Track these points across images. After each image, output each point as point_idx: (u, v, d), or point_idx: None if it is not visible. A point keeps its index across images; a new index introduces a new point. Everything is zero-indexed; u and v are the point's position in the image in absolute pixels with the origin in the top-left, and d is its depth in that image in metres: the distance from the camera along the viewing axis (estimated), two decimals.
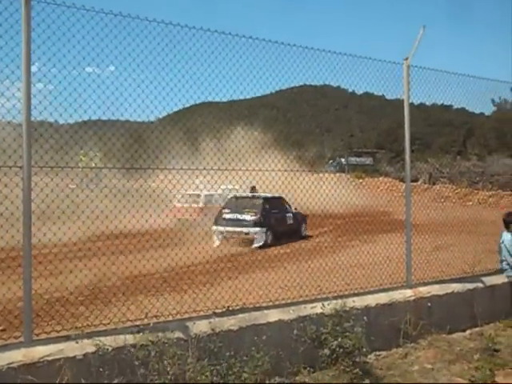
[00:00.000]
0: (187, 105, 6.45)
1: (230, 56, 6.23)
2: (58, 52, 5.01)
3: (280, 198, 17.01)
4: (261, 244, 15.67)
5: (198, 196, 17.37)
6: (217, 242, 15.25)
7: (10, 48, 4.66)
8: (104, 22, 5.14)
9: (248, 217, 16.17)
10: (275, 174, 6.76)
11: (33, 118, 4.68)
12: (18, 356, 4.36)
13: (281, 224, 16.94)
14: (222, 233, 15.59)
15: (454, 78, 8.28)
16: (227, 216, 16.17)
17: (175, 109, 6.57)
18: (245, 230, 15.85)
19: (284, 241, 15.92)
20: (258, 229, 15.89)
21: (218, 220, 16.06)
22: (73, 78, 5.17)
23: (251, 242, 15.77)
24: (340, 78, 7.37)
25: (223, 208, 16.42)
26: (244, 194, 16.47)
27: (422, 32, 7.21)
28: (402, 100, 7.54)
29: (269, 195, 16.50)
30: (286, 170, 6.98)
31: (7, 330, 5.58)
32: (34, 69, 4.80)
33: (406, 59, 7.37)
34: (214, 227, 15.76)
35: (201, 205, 17.22)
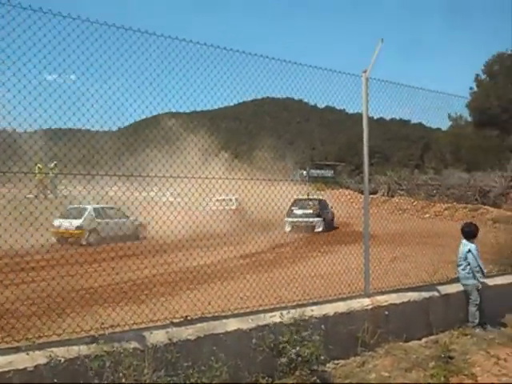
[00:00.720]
0: (150, 115, 6.40)
1: (195, 66, 6.22)
2: (18, 60, 4.88)
3: (324, 200, 24.06)
4: (320, 229, 22.85)
5: (230, 200, 20.31)
6: (288, 229, 21.70)
7: None
8: (71, 27, 5.06)
9: (311, 211, 23.20)
10: (241, 183, 6.77)
11: None
12: None
13: (327, 217, 23.95)
14: (293, 222, 22.24)
15: (412, 91, 8.49)
16: (296, 211, 22.62)
17: (138, 118, 6.50)
18: (310, 219, 23.03)
19: (329, 228, 23.07)
20: (318, 219, 23.28)
21: (290, 214, 21.37)
22: (33, 87, 5.05)
23: (313, 228, 22.87)
24: (303, 92, 7.44)
25: (291, 206, 20.78)
26: (303, 197, 22.01)
27: (380, 44, 7.38)
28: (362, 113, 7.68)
29: (319, 197, 23.50)
30: (252, 179, 6.99)
31: None
32: None
33: (365, 71, 7.51)
34: (287, 219, 21.34)
35: (234, 207, 19.73)
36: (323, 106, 8.98)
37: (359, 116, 7.74)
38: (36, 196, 19.87)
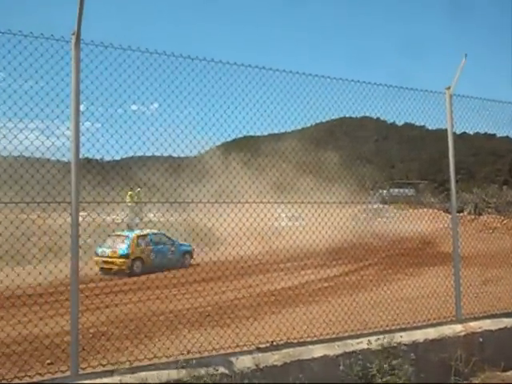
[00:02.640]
0: (229, 139, 6.55)
1: (270, 90, 6.32)
2: (105, 91, 5.20)
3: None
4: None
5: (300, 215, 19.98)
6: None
7: (61, 88, 4.86)
8: (149, 61, 5.33)
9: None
10: (317, 206, 6.73)
11: (81, 155, 4.83)
12: None
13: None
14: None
15: (498, 106, 8.11)
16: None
17: (217, 143, 6.68)
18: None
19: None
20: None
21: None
22: (119, 116, 5.35)
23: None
24: (380, 110, 7.35)
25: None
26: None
27: (465, 61, 7.14)
28: (444, 130, 7.42)
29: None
30: (328, 202, 6.93)
31: (54, 364, 5.67)
32: (81, 108, 5.00)
33: (448, 88, 7.29)
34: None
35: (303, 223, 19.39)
36: (402, 123, 8.78)
37: (441, 132, 7.50)
38: (124, 221, 20.81)
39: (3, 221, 5.03)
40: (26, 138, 4.80)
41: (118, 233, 17.61)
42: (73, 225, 4.68)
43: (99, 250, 16.87)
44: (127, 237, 18.12)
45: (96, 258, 16.57)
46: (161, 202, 5.72)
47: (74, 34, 4.83)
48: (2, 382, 4.86)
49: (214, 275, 15.39)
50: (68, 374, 4.66)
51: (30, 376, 4.92)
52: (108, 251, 17.18)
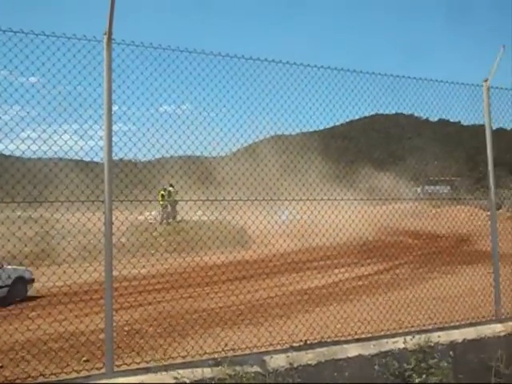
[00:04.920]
0: (258, 138, 6.53)
1: (300, 87, 6.25)
2: (136, 90, 5.22)
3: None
4: None
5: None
6: None
7: (93, 88, 4.91)
8: (179, 59, 5.32)
9: None
10: (351, 204, 6.65)
11: (113, 155, 4.86)
12: None
13: None
14: None
15: None
16: None
17: (246, 143, 6.65)
18: None
19: None
20: None
21: None
22: (151, 115, 5.37)
23: None
24: (413, 106, 7.18)
25: None
26: None
27: (503, 51, 6.91)
28: (479, 125, 7.21)
29: None
30: (359, 199, 6.83)
31: (90, 361, 5.74)
32: (114, 108, 5.04)
33: (486, 81, 7.07)
34: None
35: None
36: (436, 119, 8.57)
37: (476, 128, 7.29)
38: (156, 220, 21.03)
39: (38, 220, 5.12)
40: (60, 137, 4.87)
41: None
42: (106, 223, 4.72)
43: None
44: None
45: None
46: (193, 200, 5.72)
47: (105, 33, 4.86)
48: (39, 379, 4.93)
49: (247, 274, 15.44)
50: (103, 371, 4.70)
51: (66, 373, 5.00)
52: None
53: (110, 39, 4.87)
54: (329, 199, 6.29)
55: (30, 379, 4.85)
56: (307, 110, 6.44)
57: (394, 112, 8.00)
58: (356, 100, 6.80)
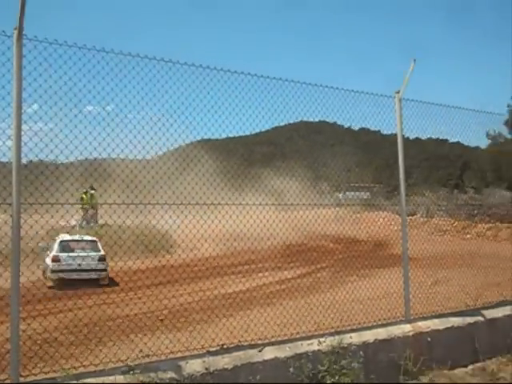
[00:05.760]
0: (184, 142, 6.50)
1: (227, 92, 6.29)
2: (59, 90, 5.04)
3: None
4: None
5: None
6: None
7: (1, 85, 4.67)
8: (105, 60, 5.21)
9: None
10: (271, 209, 6.74)
11: (32, 157, 4.67)
12: None
13: None
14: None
15: (449, 111, 8.32)
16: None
17: (172, 147, 6.59)
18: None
19: None
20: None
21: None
22: (74, 116, 5.19)
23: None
24: (335, 114, 7.42)
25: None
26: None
27: (413, 65, 7.29)
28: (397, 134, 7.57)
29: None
30: (285, 204, 6.94)
31: None
32: (35, 107, 4.85)
33: (398, 92, 7.43)
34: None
35: None
36: (357, 127, 8.90)
37: (395, 137, 7.64)
38: (77, 224, 20.31)
39: None
40: None
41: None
42: (14, 226, 4.50)
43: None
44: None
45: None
46: (117, 204, 5.56)
47: (15, 28, 4.66)
48: None
49: (171, 278, 15.21)
50: (7, 382, 4.46)
51: None
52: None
53: (20, 34, 4.68)
54: (247, 204, 6.34)
55: None
56: (230, 116, 6.48)
57: (318, 120, 8.22)
58: (281, 107, 6.94)
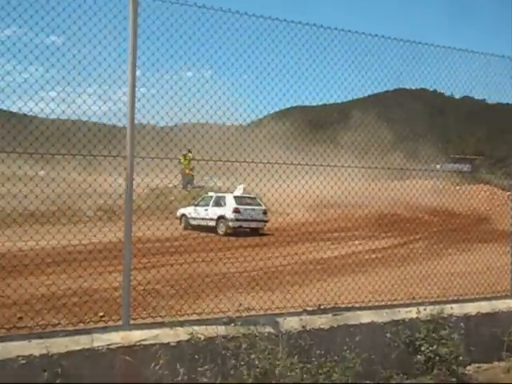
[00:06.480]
0: (280, 108, 6.49)
1: (322, 55, 6.14)
2: (161, 57, 5.18)
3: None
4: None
5: None
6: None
7: (118, 54, 4.88)
8: (205, 17, 5.24)
9: None
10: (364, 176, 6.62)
11: (136, 121, 4.87)
12: (116, 338, 4.53)
13: None
14: None
15: None
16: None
17: (270, 111, 6.61)
18: None
19: None
20: None
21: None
22: (174, 83, 5.33)
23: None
24: (438, 81, 6.99)
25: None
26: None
27: None
28: (506, 104, 7.04)
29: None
30: (383, 168, 6.78)
31: (103, 318, 5.84)
32: (138, 73, 5.03)
33: None
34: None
35: None
36: (460, 95, 8.37)
37: (501, 106, 7.10)
38: (181, 185, 21.27)
39: (56, 178, 5.17)
40: (84, 102, 4.90)
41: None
42: (128, 179, 4.75)
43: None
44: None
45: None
46: (214, 161, 5.70)
47: None
48: (57, 327, 5.05)
49: (261, 242, 15.53)
50: (120, 323, 4.80)
51: (84, 322, 5.13)
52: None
53: None
54: (342, 166, 6.25)
55: (49, 327, 4.97)
56: (328, 83, 6.35)
57: (417, 87, 7.86)
58: (379, 71, 6.68)
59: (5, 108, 4.69)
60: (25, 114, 4.79)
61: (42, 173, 5.82)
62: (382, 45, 6.45)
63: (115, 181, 5.56)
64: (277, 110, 6.63)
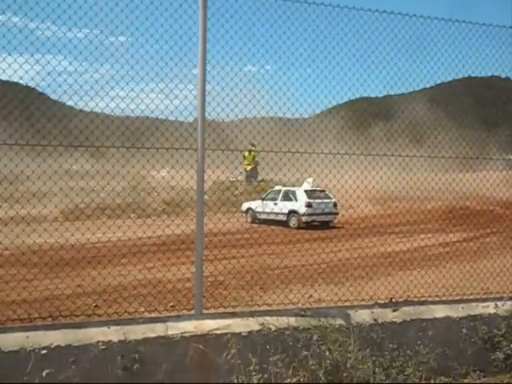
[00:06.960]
0: (342, 101, 6.42)
1: (382, 45, 6.00)
2: (225, 54, 5.23)
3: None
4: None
5: None
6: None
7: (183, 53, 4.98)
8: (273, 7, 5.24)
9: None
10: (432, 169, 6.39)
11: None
12: (189, 327, 4.64)
13: None
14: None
15: None
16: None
17: (330, 105, 6.54)
18: None
19: None
20: None
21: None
22: (234, 75, 5.36)
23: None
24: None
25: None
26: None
27: None
28: None
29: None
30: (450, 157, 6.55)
31: (177, 307, 6.00)
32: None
33: None
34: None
35: None
36: None
37: None
38: (244, 177, 21.54)
39: (126, 175, 5.34)
40: (152, 101, 5.05)
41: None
42: (199, 171, 4.83)
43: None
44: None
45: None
46: (282, 152, 5.68)
47: None
48: (134, 314, 5.24)
49: (329, 234, 15.41)
50: (192, 312, 4.91)
51: (158, 311, 5.28)
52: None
53: None
54: (421, 156, 6.08)
55: (125, 314, 5.17)
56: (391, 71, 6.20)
57: (488, 75, 7.54)
58: (442, 60, 6.46)
59: (81, 106, 4.90)
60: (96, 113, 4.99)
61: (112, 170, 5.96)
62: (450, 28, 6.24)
63: (182, 178, 5.64)
64: (341, 102, 6.55)
